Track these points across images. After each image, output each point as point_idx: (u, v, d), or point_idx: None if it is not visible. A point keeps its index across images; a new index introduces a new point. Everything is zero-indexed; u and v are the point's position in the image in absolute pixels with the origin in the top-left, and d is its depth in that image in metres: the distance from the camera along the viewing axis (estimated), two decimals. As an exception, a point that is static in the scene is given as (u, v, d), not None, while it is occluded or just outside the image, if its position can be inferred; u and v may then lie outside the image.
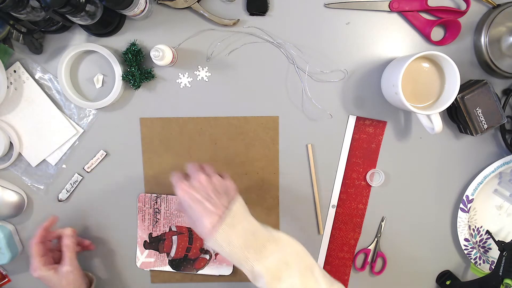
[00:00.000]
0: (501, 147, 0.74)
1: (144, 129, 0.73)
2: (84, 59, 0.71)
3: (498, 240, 0.71)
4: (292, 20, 0.71)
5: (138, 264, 0.76)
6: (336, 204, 0.75)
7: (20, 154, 0.73)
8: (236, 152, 0.74)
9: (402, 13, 0.70)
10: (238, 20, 0.69)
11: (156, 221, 0.75)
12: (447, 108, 0.66)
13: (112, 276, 0.78)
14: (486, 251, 0.78)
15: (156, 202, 0.74)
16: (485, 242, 0.78)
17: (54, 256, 0.69)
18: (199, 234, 0.57)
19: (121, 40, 0.71)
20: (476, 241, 0.78)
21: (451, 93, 0.63)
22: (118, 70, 0.69)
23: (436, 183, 0.75)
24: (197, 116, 0.73)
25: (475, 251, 0.75)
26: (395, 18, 0.71)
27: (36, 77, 0.71)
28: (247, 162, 0.74)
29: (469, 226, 0.77)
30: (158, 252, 0.76)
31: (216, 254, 0.76)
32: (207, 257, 0.76)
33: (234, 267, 0.76)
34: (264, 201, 0.75)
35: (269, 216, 0.75)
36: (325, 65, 0.72)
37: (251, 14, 0.70)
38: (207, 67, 0.72)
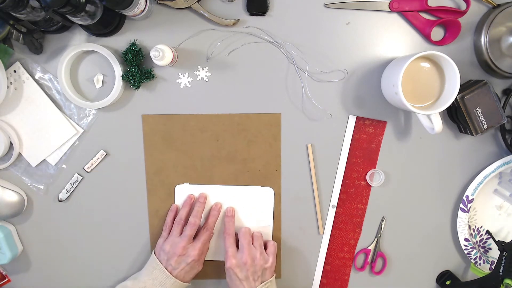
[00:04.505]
0: (501, 147, 0.74)
1: (146, 126, 0.73)
2: (84, 59, 0.71)
3: (498, 240, 0.71)
4: (292, 20, 0.71)
5: None
6: (336, 204, 0.75)
7: (20, 154, 0.73)
8: (238, 149, 0.74)
9: (402, 13, 0.70)
10: (238, 20, 0.69)
11: None
12: (447, 108, 0.66)
13: (112, 276, 0.78)
14: (486, 251, 0.78)
15: None
16: (485, 242, 0.78)
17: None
18: None
19: (121, 40, 0.71)
20: (476, 241, 0.78)
21: (451, 93, 0.63)
22: (118, 70, 0.69)
23: (436, 183, 0.75)
24: (198, 113, 0.73)
25: (475, 251, 0.75)
26: (395, 18, 0.71)
27: (36, 77, 0.71)
28: (249, 159, 0.74)
29: (469, 226, 0.77)
30: None
31: None
32: None
33: None
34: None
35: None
36: (325, 65, 0.72)
37: (251, 14, 0.70)
38: (207, 67, 0.72)
